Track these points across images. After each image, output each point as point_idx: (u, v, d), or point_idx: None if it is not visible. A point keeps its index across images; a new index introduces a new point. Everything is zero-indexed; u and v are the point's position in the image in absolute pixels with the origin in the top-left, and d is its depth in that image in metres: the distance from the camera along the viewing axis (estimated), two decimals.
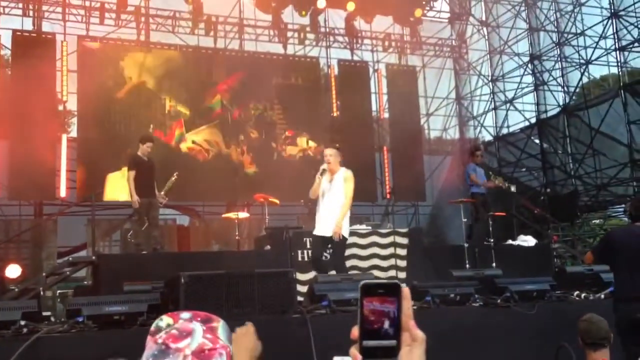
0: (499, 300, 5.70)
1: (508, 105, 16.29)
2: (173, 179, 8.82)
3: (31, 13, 12.40)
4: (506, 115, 16.35)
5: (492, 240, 9.18)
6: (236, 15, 14.38)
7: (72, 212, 12.26)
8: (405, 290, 0.86)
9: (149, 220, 8.42)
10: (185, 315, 1.36)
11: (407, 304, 0.86)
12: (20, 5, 12.34)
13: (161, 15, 13.76)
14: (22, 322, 4.19)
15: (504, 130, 16.53)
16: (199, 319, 1.35)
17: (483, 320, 5.47)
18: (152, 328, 1.33)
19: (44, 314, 8.71)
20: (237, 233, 9.36)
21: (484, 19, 16.86)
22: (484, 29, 16.87)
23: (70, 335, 4.28)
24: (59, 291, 10.83)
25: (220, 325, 1.36)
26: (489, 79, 16.71)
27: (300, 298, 5.73)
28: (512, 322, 5.51)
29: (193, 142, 13.07)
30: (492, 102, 16.72)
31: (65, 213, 12.28)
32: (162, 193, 8.76)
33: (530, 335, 5.40)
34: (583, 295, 6.29)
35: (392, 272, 8.82)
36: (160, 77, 12.97)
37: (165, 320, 1.34)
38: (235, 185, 12.49)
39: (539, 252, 9.87)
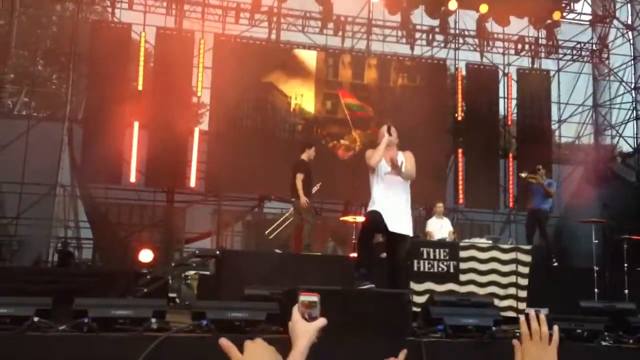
0: (631, 341, 5.27)
1: None
2: (316, 187, 9.43)
3: (173, 12, 13.19)
4: None
5: (625, 265, 8.53)
6: (365, 15, 14.38)
7: (200, 201, 12.97)
8: None
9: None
10: None
11: None
12: (165, 4, 13.16)
13: (292, 15, 14.06)
14: (153, 320, 4.48)
15: None
16: None
17: None
18: None
19: (170, 295, 9.32)
20: (353, 236, 9.42)
21: (629, 22, 15.59)
22: (629, 32, 15.61)
23: (194, 336, 4.52)
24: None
25: None
26: (632, 86, 15.46)
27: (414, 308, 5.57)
28: None
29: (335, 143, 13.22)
30: (634, 111, 15.47)
31: (196, 202, 12.98)
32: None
33: None
34: None
35: (511, 290, 8.51)
36: (287, 76, 13.26)
37: None
38: (353, 187, 12.55)
39: None
